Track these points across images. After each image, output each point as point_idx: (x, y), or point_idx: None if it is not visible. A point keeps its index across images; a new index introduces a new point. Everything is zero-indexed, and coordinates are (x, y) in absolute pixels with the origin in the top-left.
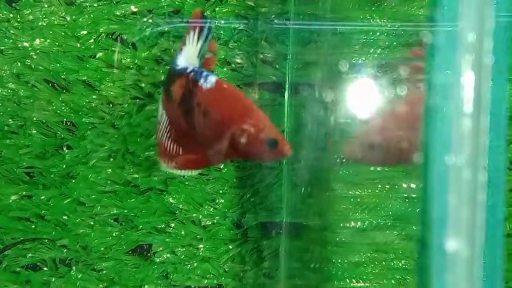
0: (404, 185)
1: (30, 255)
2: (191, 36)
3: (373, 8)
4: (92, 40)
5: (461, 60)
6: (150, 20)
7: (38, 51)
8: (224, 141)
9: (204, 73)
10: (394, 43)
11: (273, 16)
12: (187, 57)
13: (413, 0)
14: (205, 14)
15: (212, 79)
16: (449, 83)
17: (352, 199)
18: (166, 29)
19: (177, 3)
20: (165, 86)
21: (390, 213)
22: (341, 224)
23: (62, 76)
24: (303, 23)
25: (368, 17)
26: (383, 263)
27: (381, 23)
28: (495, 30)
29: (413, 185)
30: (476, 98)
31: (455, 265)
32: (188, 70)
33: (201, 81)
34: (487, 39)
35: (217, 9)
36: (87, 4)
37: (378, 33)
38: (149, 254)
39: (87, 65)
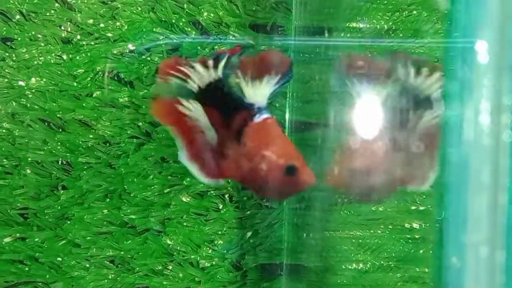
0: (407, 226)
1: None
2: (270, 78)
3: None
4: (88, 79)
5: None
6: (148, 58)
7: (33, 90)
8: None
9: (263, 111)
10: None
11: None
12: (259, 94)
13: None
14: (291, 66)
15: (263, 115)
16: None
17: (354, 240)
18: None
19: (174, 41)
20: (222, 105)
21: (393, 254)
22: (343, 266)
23: (58, 115)
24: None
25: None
26: None
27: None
28: None
29: (416, 226)
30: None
31: None
32: (255, 107)
33: (256, 116)
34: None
35: (216, 47)
36: (84, 42)
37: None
38: None
39: (84, 104)
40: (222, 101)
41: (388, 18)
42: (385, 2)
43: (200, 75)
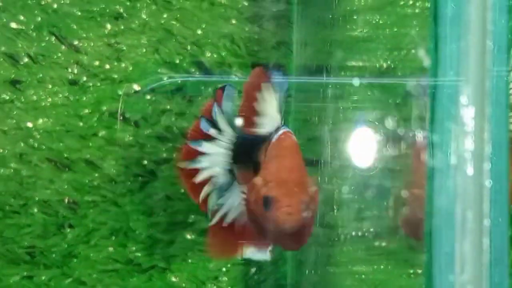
0: (406, 260)
1: None
2: (265, 95)
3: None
4: (95, 119)
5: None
6: (154, 98)
7: (41, 131)
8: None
9: (281, 127)
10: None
11: None
12: (269, 116)
13: None
14: (268, 68)
15: (279, 132)
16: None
17: (357, 276)
18: (168, 107)
19: (179, 82)
20: (243, 159)
21: None
22: None
23: (64, 155)
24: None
25: None
26: None
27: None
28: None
29: (416, 260)
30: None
31: None
32: (275, 131)
33: (274, 136)
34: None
35: (219, 84)
36: (90, 83)
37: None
38: None
39: (90, 144)
40: (250, 150)
41: (386, 57)
42: (384, 41)
43: (215, 147)
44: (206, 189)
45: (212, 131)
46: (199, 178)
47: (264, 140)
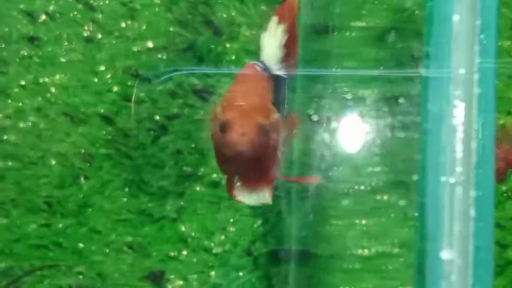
0: (409, 214)
1: (47, 281)
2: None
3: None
4: (109, 75)
5: (453, 92)
6: (165, 56)
7: (58, 86)
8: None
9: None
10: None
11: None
12: (269, 51)
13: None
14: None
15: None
16: (443, 112)
17: (358, 228)
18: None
19: (189, 38)
20: None
21: (395, 241)
22: (348, 252)
23: (80, 110)
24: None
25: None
26: None
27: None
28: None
29: (417, 214)
30: (466, 124)
31: (450, 273)
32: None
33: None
34: (475, 74)
35: (227, 45)
36: (105, 41)
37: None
38: (161, 281)
39: (104, 99)
40: None
41: (391, 17)
42: (388, 2)
43: None
44: None
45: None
46: None
47: None
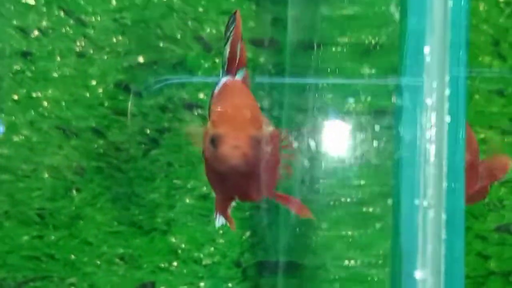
0: (391, 225)
1: None
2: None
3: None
4: (100, 90)
5: (425, 119)
6: (155, 71)
7: (50, 100)
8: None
9: (222, 79)
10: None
11: (270, 67)
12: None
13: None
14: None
15: (222, 81)
16: (416, 137)
17: (344, 239)
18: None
19: (180, 54)
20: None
21: (381, 252)
22: (335, 263)
23: (72, 123)
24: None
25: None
26: None
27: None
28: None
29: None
30: (437, 150)
31: None
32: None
33: (216, 88)
34: (446, 102)
35: (217, 60)
36: (97, 56)
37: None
38: None
39: (96, 113)
40: None
41: (375, 33)
42: (372, 17)
43: None
44: None
45: None
46: None
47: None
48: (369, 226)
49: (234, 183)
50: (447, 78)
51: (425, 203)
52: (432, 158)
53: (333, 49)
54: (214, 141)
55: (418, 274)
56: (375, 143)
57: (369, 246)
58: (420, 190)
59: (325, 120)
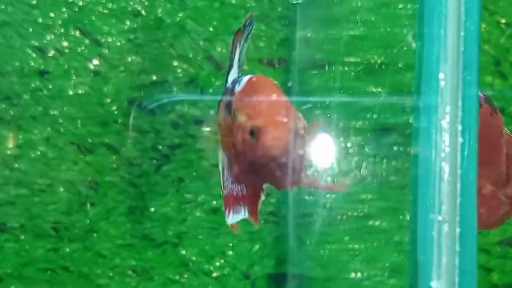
0: (397, 239)
1: None
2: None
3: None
4: (115, 107)
5: (440, 140)
6: (168, 89)
7: (66, 117)
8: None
9: (243, 77)
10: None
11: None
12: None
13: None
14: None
15: (244, 79)
16: (431, 156)
17: (351, 252)
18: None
19: (192, 73)
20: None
21: (386, 265)
22: (342, 276)
23: (87, 140)
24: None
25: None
26: None
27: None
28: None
29: (406, 239)
30: (451, 167)
31: None
32: (232, 81)
33: (236, 86)
34: (459, 124)
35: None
36: (111, 75)
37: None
38: None
39: (110, 130)
40: None
41: (381, 53)
42: (378, 39)
43: None
44: None
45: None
46: None
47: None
48: (375, 239)
49: (271, 173)
50: (459, 103)
51: (439, 218)
52: (446, 176)
53: (341, 68)
54: (254, 132)
55: (434, 285)
56: (381, 160)
57: (375, 259)
58: (435, 205)
59: (333, 136)
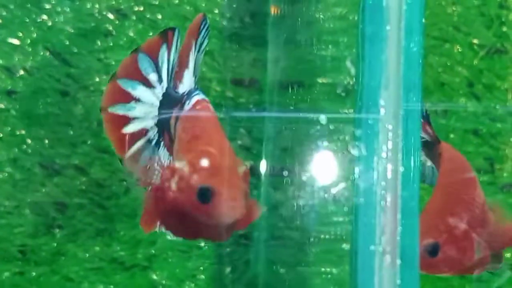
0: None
1: None
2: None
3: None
4: (83, 128)
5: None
6: None
7: (34, 138)
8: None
9: (194, 93)
10: None
11: (250, 106)
12: (186, 76)
13: None
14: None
15: (193, 99)
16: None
17: (324, 276)
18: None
19: None
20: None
21: None
22: None
23: (55, 161)
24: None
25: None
26: None
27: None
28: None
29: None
30: (392, 198)
31: None
32: (184, 94)
33: (186, 103)
34: (400, 153)
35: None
36: (81, 95)
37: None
38: None
39: (79, 151)
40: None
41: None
42: (350, 60)
43: (151, 96)
44: (138, 144)
45: (152, 76)
46: (130, 128)
47: (175, 101)
48: (347, 263)
49: (211, 230)
50: (400, 131)
51: (380, 249)
52: (388, 205)
53: (312, 89)
54: (206, 195)
55: None
56: (351, 181)
57: (347, 282)
58: (375, 236)
59: (302, 157)
